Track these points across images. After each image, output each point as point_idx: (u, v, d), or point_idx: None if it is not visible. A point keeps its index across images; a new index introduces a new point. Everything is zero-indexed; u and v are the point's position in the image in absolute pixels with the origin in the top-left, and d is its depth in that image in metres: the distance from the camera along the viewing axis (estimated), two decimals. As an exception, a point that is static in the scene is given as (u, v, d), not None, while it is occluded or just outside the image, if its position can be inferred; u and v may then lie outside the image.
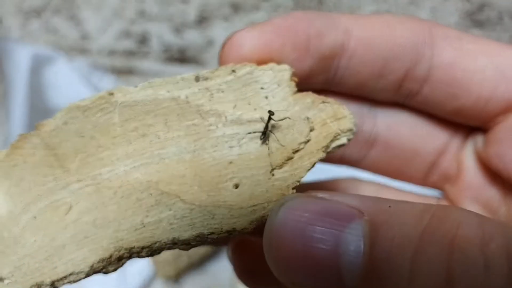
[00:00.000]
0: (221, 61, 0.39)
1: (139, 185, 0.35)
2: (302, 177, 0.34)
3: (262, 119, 0.36)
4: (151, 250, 0.34)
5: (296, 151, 0.35)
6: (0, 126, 0.93)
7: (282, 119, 0.35)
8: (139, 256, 0.34)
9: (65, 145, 0.36)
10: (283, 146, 0.35)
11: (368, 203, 0.29)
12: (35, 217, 0.35)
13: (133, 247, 0.33)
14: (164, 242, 0.33)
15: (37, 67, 0.93)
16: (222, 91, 0.37)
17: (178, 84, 0.37)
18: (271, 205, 0.33)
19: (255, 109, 0.36)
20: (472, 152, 0.45)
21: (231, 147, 0.35)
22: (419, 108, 0.44)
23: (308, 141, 0.35)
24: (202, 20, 1.02)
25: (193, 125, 0.36)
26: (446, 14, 1.00)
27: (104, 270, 0.34)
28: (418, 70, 0.41)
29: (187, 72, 0.37)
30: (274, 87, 0.37)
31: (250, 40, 0.38)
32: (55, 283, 0.33)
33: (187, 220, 0.33)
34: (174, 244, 0.33)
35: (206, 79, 0.37)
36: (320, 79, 0.41)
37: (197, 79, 0.37)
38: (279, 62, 0.38)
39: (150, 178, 0.35)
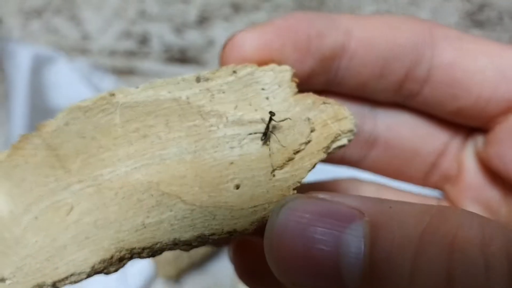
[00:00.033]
0: (222, 62, 0.39)
1: (140, 186, 0.35)
2: (303, 178, 0.34)
3: (263, 120, 0.36)
4: (152, 251, 0.34)
5: (297, 152, 0.35)
6: (1, 126, 0.93)
7: (283, 120, 0.35)
8: (140, 257, 0.34)
9: (66, 145, 0.36)
10: (284, 147, 0.35)
11: (369, 203, 0.29)
12: (36, 218, 0.35)
13: (134, 248, 0.33)
14: (165, 243, 0.33)
15: (38, 67, 0.93)
16: (223, 92, 0.37)
17: (179, 85, 0.37)
18: (272, 206, 0.33)
19: (256, 110, 0.36)
20: (472, 152, 0.45)
21: (232, 147, 0.35)
22: (420, 108, 0.44)
23: (309, 141, 0.35)
24: (203, 20, 1.02)
25: (194, 125, 0.36)
26: (446, 14, 1.00)
27: (105, 270, 0.34)
28: (419, 71, 0.41)
29: (188, 72, 0.37)
30: (275, 88, 0.37)
31: (250, 41, 0.38)
32: (57, 283, 0.33)
33: (188, 221, 0.33)
34: (175, 245, 0.33)
35: (207, 80, 0.37)
36: (320, 80, 0.42)
37: (198, 80, 0.37)
38: (280, 63, 0.38)
39: (151, 179, 0.35)
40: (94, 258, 0.33)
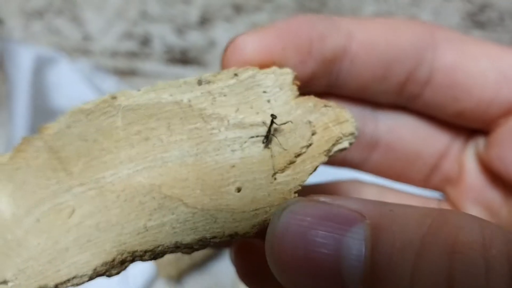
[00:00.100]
0: (224, 65, 0.39)
1: (142, 189, 0.35)
2: (304, 181, 0.34)
3: (264, 123, 0.36)
4: (154, 254, 0.34)
5: (298, 155, 0.35)
6: (3, 127, 0.93)
7: (284, 123, 0.35)
8: (142, 260, 0.34)
9: (68, 148, 0.36)
10: (285, 150, 0.35)
11: (370, 206, 0.29)
12: (38, 220, 0.35)
13: (136, 251, 0.33)
14: (167, 246, 0.33)
15: (40, 68, 0.93)
16: (225, 95, 0.37)
17: (181, 87, 0.37)
18: (273, 209, 0.33)
19: (257, 113, 0.36)
20: (473, 154, 0.45)
21: (233, 150, 0.35)
22: (421, 110, 0.44)
23: (310, 145, 0.35)
24: (204, 21, 1.02)
25: (196, 128, 0.36)
26: (447, 15, 1.00)
27: (107, 273, 0.34)
28: (420, 73, 0.41)
29: (189, 73, 0.37)
30: (276, 91, 0.37)
31: (252, 43, 0.38)
32: (59, 286, 0.33)
33: (189, 224, 0.33)
34: (176, 247, 0.33)
35: (208, 82, 0.37)
36: (322, 83, 0.42)
37: (199, 82, 0.37)
38: (281, 66, 0.38)
39: (153, 182, 0.35)
40: (96, 260, 0.33)
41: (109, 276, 0.34)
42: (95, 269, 0.33)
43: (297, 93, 0.37)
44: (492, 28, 0.99)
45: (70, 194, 0.35)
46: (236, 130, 0.36)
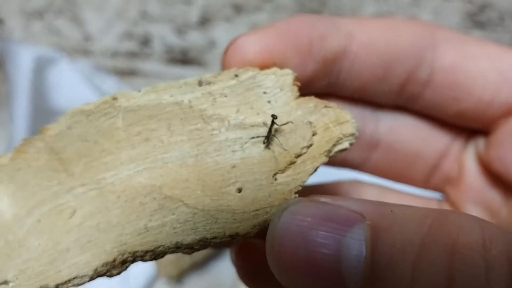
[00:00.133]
0: (224, 66, 0.39)
1: (142, 189, 0.35)
2: (305, 181, 0.34)
3: (265, 123, 0.36)
4: (154, 254, 0.34)
5: (298, 156, 0.35)
6: (3, 127, 0.93)
7: (285, 124, 0.36)
8: (143, 260, 0.34)
9: (69, 149, 0.36)
10: (285, 150, 0.35)
11: (370, 207, 0.29)
12: (39, 221, 0.35)
13: (137, 251, 0.33)
14: (168, 246, 0.33)
15: (40, 68, 0.93)
16: (225, 96, 0.37)
17: (181, 88, 0.37)
18: (273, 209, 0.33)
19: (258, 114, 0.36)
20: (473, 154, 0.45)
21: (234, 151, 0.35)
22: (421, 111, 0.44)
23: (311, 145, 0.35)
24: (204, 21, 1.02)
25: (196, 129, 0.36)
26: (447, 15, 1.00)
27: (108, 273, 0.34)
28: (420, 73, 0.41)
29: (190, 73, 0.38)
30: (277, 92, 0.37)
31: (252, 44, 0.38)
32: (59, 286, 0.33)
33: (190, 224, 0.33)
34: (177, 248, 0.33)
35: (209, 83, 0.37)
36: (322, 83, 0.42)
37: (200, 83, 0.37)
38: (281, 67, 0.38)
39: (154, 182, 0.35)
40: (97, 261, 0.33)
41: (110, 276, 0.34)
42: (96, 270, 0.33)
43: (298, 94, 0.37)
44: (492, 28, 0.99)
45: (71, 194, 0.36)
46: (236, 130, 0.36)
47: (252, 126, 0.36)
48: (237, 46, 0.38)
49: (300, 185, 0.34)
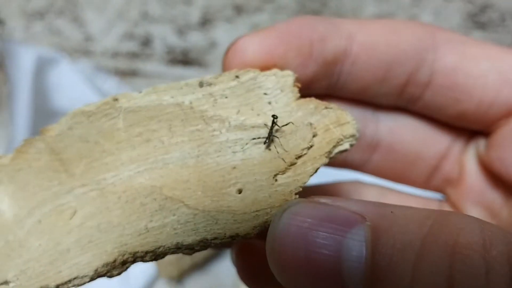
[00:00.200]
0: (225, 67, 0.39)
1: (143, 190, 0.35)
2: (305, 182, 0.34)
3: (265, 124, 0.36)
4: (155, 255, 0.34)
5: (299, 157, 0.35)
6: (4, 128, 0.93)
7: (285, 125, 0.36)
8: (143, 261, 0.34)
9: (70, 150, 0.36)
10: (286, 151, 0.35)
11: (370, 208, 0.29)
12: (40, 221, 0.35)
13: (137, 252, 0.33)
14: (168, 247, 0.33)
15: (41, 69, 0.94)
16: (226, 97, 0.37)
17: (182, 89, 0.37)
18: (274, 210, 0.33)
19: (258, 115, 0.36)
20: (474, 155, 0.45)
21: (234, 152, 0.35)
22: (422, 112, 0.44)
23: (311, 146, 0.35)
24: (205, 22, 1.02)
25: (197, 130, 0.36)
26: (448, 16, 1.00)
27: (108, 274, 0.34)
28: (421, 75, 0.41)
29: (190, 74, 0.38)
30: (277, 93, 0.37)
31: (253, 46, 0.38)
32: (60, 286, 0.33)
33: (190, 225, 0.33)
34: (177, 248, 0.34)
35: (210, 84, 0.37)
36: (323, 85, 0.42)
37: (201, 84, 0.37)
38: (282, 68, 0.38)
39: (154, 183, 0.35)
40: (97, 261, 0.33)
41: (110, 276, 0.34)
42: (96, 270, 0.33)
43: (298, 95, 0.37)
44: (493, 29, 0.99)
45: (72, 195, 0.36)
46: (237, 131, 0.36)
47: (253, 127, 0.36)
48: (238, 47, 0.38)
49: (301, 186, 0.34)
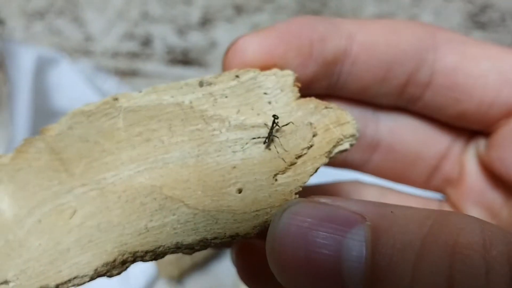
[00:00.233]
0: (225, 67, 0.39)
1: (143, 190, 0.35)
2: (305, 182, 0.34)
3: (265, 124, 0.36)
4: (154, 254, 0.34)
5: (299, 157, 0.35)
6: (4, 128, 0.93)
7: (285, 124, 0.36)
8: (143, 260, 0.34)
9: (70, 149, 0.36)
10: (286, 151, 0.35)
11: (370, 208, 0.29)
12: (40, 221, 0.35)
13: (137, 251, 0.33)
14: (168, 247, 0.33)
15: (41, 69, 0.94)
16: (226, 96, 0.37)
17: (182, 89, 0.37)
18: (274, 210, 0.33)
19: (258, 114, 0.36)
20: (474, 156, 0.45)
21: (234, 152, 0.35)
22: (422, 112, 0.44)
23: (311, 146, 0.35)
24: (205, 22, 1.02)
25: (197, 130, 0.36)
26: (448, 15, 1.00)
27: (108, 273, 0.34)
28: (421, 75, 0.41)
29: (190, 74, 0.38)
30: (277, 92, 0.37)
31: (253, 45, 0.38)
32: (60, 286, 0.33)
33: (190, 224, 0.33)
34: (177, 248, 0.34)
35: (210, 84, 0.37)
36: (323, 84, 0.42)
37: (201, 84, 0.37)
38: (282, 68, 0.38)
39: (154, 183, 0.35)
40: (97, 261, 0.33)
41: (110, 276, 0.34)
42: (96, 270, 0.33)
43: (298, 94, 0.37)
44: (493, 29, 0.99)
45: (72, 195, 0.36)
46: (237, 131, 0.36)
47: (253, 126, 0.36)
48: (238, 47, 0.38)
49: (301, 186, 0.34)
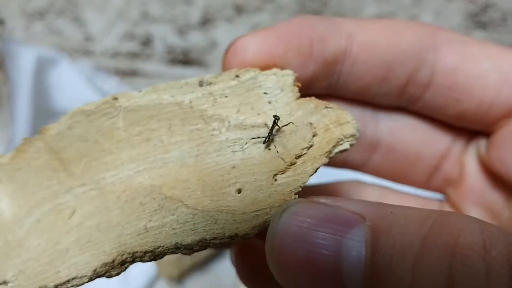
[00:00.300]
0: (225, 66, 0.39)
1: (142, 190, 0.35)
2: (305, 182, 0.34)
3: (265, 124, 0.36)
4: (153, 255, 0.34)
5: (299, 157, 0.34)
6: (4, 128, 0.93)
7: (285, 125, 0.35)
8: (142, 261, 0.34)
9: (69, 149, 0.36)
10: (286, 151, 0.35)
11: (370, 208, 0.29)
12: (39, 221, 0.35)
13: (136, 252, 0.33)
14: (167, 247, 0.33)
15: (41, 69, 0.94)
16: (226, 96, 0.37)
17: (182, 89, 0.37)
18: (273, 210, 0.33)
19: (258, 114, 0.36)
20: (474, 156, 0.45)
21: (234, 152, 0.35)
22: (422, 112, 0.44)
23: (311, 146, 0.35)
24: (206, 21, 1.02)
25: (197, 129, 0.36)
26: (448, 15, 1.00)
27: (107, 274, 0.34)
28: (421, 75, 0.41)
29: (190, 74, 0.37)
30: (277, 92, 0.37)
31: (253, 45, 0.38)
32: (58, 287, 0.33)
33: (189, 225, 0.33)
34: (176, 248, 0.33)
35: (209, 84, 0.37)
36: (323, 84, 0.42)
37: (200, 84, 0.37)
38: (282, 67, 0.38)
39: (154, 183, 0.35)
40: (96, 261, 0.33)
41: (109, 277, 0.34)
42: (95, 270, 0.33)
43: (298, 94, 0.37)
44: (494, 29, 0.99)
45: (71, 194, 0.36)
46: (237, 131, 0.36)
47: (253, 126, 0.36)
48: (238, 47, 0.38)
49: (300, 186, 0.34)
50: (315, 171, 0.34)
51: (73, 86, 0.96)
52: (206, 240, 0.33)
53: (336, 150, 0.35)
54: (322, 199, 0.30)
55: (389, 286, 0.26)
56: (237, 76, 0.37)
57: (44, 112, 0.91)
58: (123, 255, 0.33)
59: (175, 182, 0.35)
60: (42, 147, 0.37)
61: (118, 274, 0.34)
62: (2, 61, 0.92)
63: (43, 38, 1.03)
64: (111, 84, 1.00)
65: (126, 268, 0.34)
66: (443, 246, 0.26)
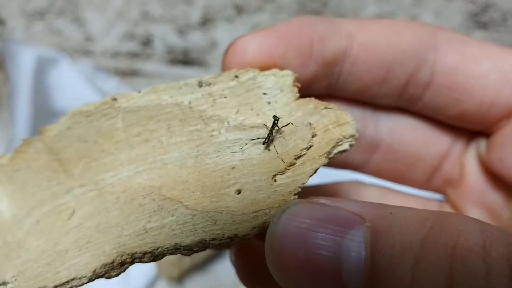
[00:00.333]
0: (224, 67, 0.39)
1: (141, 190, 0.35)
2: (304, 183, 0.34)
3: (265, 125, 0.36)
4: (153, 256, 0.34)
5: (298, 157, 0.34)
6: (4, 128, 0.93)
7: (285, 125, 0.35)
8: (142, 261, 0.34)
9: (68, 150, 0.36)
10: (285, 152, 0.35)
11: (370, 209, 0.29)
12: (38, 221, 0.35)
13: (136, 252, 0.33)
14: (166, 248, 0.33)
15: (41, 69, 0.94)
16: (225, 97, 0.37)
17: (181, 89, 0.37)
18: (273, 211, 0.33)
19: (257, 115, 0.36)
20: (474, 156, 0.45)
21: (233, 152, 0.35)
22: (422, 112, 0.44)
23: (311, 147, 0.35)
24: (206, 21, 1.02)
25: (196, 130, 0.36)
26: (449, 15, 1.00)
27: (106, 275, 0.34)
28: (421, 75, 0.41)
29: (191, 74, 0.37)
30: (277, 93, 0.37)
31: (253, 45, 0.38)
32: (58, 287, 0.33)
33: (189, 225, 0.33)
34: (176, 249, 0.33)
35: (209, 84, 0.37)
36: (323, 85, 0.42)
37: (200, 84, 0.37)
38: (282, 67, 0.38)
39: (153, 183, 0.35)
40: (96, 262, 0.33)
41: (108, 278, 0.34)
42: (94, 271, 0.33)
43: (298, 95, 0.37)
44: (494, 29, 0.99)
45: (70, 195, 0.36)
46: (236, 132, 0.36)
47: (252, 127, 0.36)
48: (238, 47, 0.38)
49: (300, 187, 0.34)
50: (315, 172, 0.34)
51: (73, 86, 0.96)
52: (205, 240, 0.33)
53: (336, 150, 0.35)
54: (322, 200, 0.30)
55: (389, 287, 0.26)
56: (236, 76, 0.37)
57: (44, 112, 0.91)
58: (122, 256, 0.33)
59: (174, 183, 0.35)
60: (41, 148, 0.37)
61: (117, 275, 0.34)
62: (2, 61, 0.92)
63: (43, 38, 1.03)
64: (111, 84, 1.00)
65: (125, 269, 0.34)
66: (443, 247, 0.26)
